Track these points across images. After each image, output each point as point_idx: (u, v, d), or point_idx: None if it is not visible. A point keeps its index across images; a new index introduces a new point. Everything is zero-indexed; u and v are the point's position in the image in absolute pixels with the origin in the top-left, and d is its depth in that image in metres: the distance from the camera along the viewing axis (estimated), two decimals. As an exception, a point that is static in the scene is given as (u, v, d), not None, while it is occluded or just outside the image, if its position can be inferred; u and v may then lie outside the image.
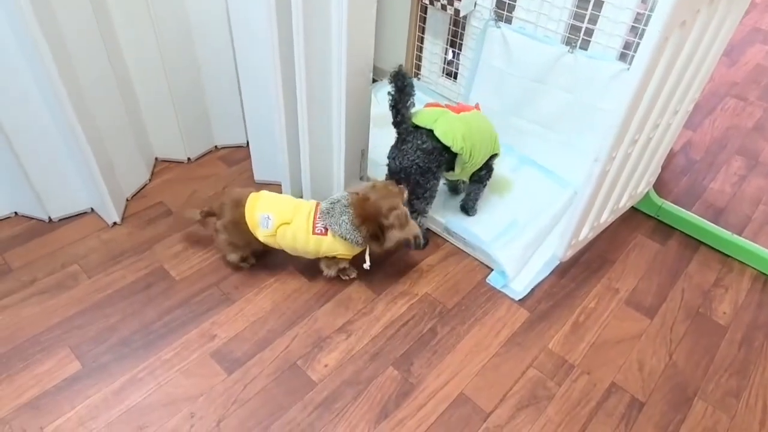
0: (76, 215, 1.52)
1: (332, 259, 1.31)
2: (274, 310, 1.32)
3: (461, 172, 1.40)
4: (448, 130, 1.29)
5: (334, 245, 1.26)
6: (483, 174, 1.47)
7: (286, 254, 1.44)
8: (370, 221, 1.22)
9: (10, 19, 1.15)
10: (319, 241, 1.25)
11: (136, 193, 1.60)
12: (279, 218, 1.25)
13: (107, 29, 1.37)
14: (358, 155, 1.45)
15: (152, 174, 1.67)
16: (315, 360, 1.22)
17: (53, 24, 1.19)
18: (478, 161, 1.39)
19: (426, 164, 1.30)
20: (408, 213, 1.27)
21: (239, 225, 1.27)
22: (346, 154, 1.40)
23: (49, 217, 1.49)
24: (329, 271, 1.34)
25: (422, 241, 1.40)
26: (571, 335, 1.31)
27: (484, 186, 1.51)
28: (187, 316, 1.29)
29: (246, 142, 1.73)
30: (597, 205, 1.34)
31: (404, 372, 1.21)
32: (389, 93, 1.27)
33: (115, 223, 1.50)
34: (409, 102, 1.29)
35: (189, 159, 1.72)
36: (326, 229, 1.25)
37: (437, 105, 1.38)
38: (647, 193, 1.61)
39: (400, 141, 1.33)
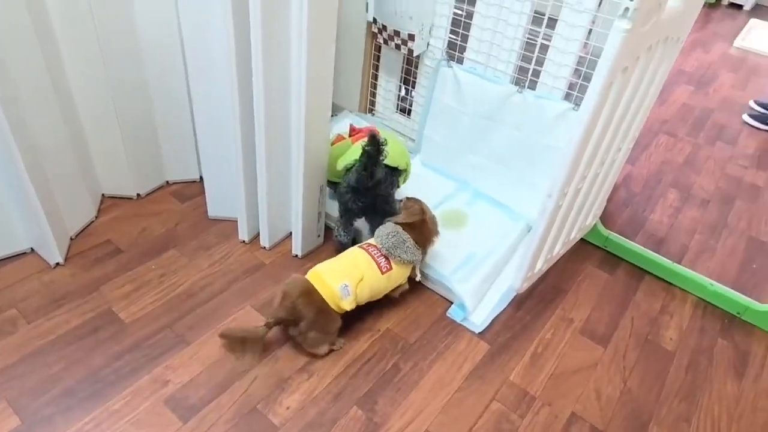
0: (14, 256, 1.42)
1: (395, 290, 1.36)
2: (232, 351, 1.27)
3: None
4: (393, 155, 1.41)
5: (399, 273, 1.33)
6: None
7: (242, 292, 1.42)
8: (427, 237, 1.37)
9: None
10: (389, 277, 1.31)
11: (81, 231, 1.52)
12: (353, 280, 1.24)
13: (53, 59, 1.32)
14: (317, 191, 1.45)
15: (99, 211, 1.60)
16: (276, 402, 1.18)
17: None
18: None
19: (386, 190, 1.42)
20: None
21: (324, 311, 1.22)
22: (304, 189, 1.39)
23: (-17, 259, 1.39)
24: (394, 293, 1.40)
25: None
26: (530, 367, 1.33)
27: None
28: (138, 362, 1.22)
29: (199, 177, 1.69)
30: (551, 238, 1.39)
31: (368, 411, 1.19)
32: (357, 170, 1.33)
33: (57, 264, 1.42)
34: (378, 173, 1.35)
35: (138, 195, 1.66)
36: (389, 263, 1.30)
37: (350, 133, 1.50)
38: (595, 224, 1.68)
39: (362, 191, 1.38)
